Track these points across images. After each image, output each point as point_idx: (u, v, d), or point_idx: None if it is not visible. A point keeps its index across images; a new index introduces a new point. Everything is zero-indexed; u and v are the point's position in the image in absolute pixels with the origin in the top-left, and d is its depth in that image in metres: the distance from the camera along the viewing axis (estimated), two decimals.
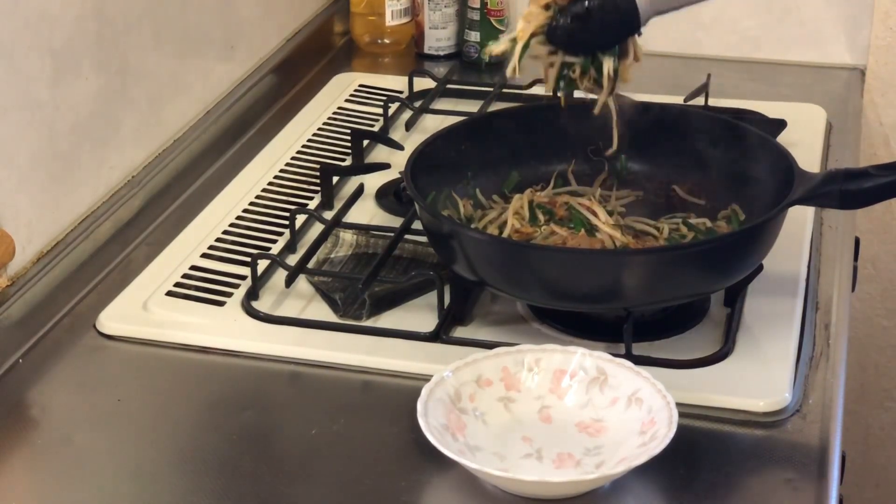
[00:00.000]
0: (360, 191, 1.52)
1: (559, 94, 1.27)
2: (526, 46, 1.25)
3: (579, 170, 1.41)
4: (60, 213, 1.40)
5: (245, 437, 1.15)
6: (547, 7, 1.22)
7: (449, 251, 1.25)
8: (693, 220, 1.36)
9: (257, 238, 1.45)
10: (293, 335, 1.27)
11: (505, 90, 1.76)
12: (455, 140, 1.39)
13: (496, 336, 1.25)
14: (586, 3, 1.21)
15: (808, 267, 1.36)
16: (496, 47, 1.29)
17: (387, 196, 1.53)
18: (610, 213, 1.34)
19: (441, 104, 1.76)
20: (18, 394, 1.22)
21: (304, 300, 1.33)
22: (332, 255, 1.39)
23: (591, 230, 1.32)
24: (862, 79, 1.87)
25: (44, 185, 1.37)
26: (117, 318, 1.30)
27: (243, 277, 1.35)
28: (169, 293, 1.34)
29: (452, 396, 1.13)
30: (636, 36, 1.23)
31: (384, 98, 1.73)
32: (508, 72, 1.24)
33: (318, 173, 1.53)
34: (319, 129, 1.72)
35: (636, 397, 1.12)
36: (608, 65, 1.24)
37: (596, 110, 1.26)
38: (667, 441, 1.05)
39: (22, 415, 1.20)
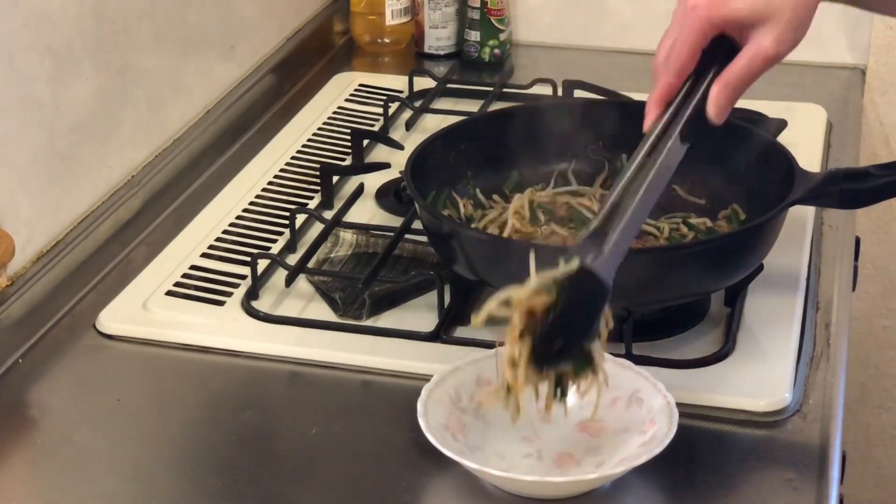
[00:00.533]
0: (360, 190, 1.52)
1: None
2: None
3: (579, 169, 1.41)
4: (60, 212, 1.40)
5: (245, 437, 1.15)
6: (521, 335, 1.03)
7: (449, 251, 1.25)
8: (693, 220, 1.35)
9: (257, 238, 1.45)
10: (293, 335, 1.27)
11: (505, 90, 1.76)
12: (455, 140, 1.39)
13: (496, 336, 1.24)
14: (552, 314, 1.01)
15: (809, 267, 1.36)
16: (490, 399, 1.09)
17: (387, 196, 1.53)
18: None
19: (441, 104, 1.76)
20: (18, 394, 1.22)
21: (304, 300, 1.33)
22: (332, 255, 1.39)
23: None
24: (862, 78, 1.86)
25: (44, 185, 1.37)
26: (117, 317, 1.30)
27: (243, 277, 1.35)
28: (169, 293, 1.34)
29: (452, 396, 1.12)
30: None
31: (384, 98, 1.73)
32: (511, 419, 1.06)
33: (318, 173, 1.53)
34: (319, 128, 1.71)
35: (636, 397, 1.12)
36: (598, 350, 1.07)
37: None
38: (667, 441, 1.05)
39: (22, 415, 1.20)
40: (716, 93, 1.06)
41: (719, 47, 1.07)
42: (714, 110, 1.07)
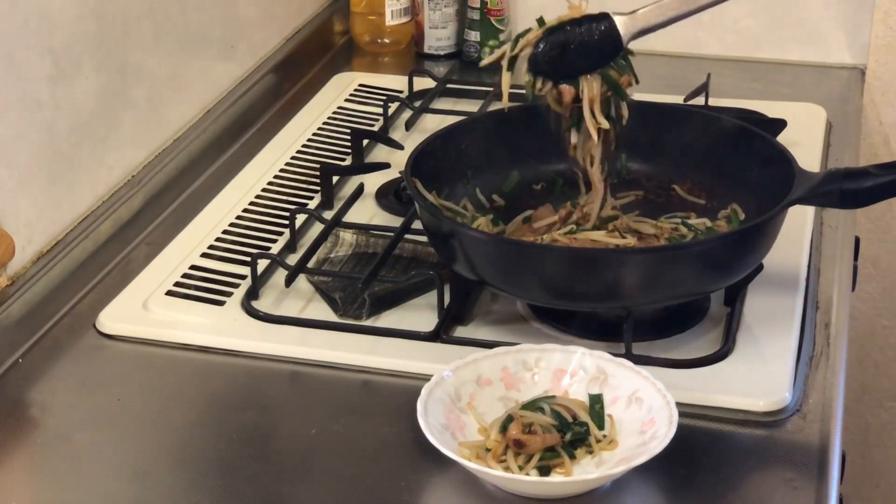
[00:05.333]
0: (360, 190, 1.52)
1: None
2: (512, 65, 1.28)
3: (579, 169, 1.41)
4: (60, 212, 1.40)
5: (245, 436, 1.15)
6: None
7: (449, 250, 1.25)
8: (693, 220, 1.36)
9: (257, 238, 1.45)
10: (293, 335, 1.27)
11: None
12: (455, 140, 1.39)
13: (496, 336, 1.25)
14: (566, 30, 1.24)
15: (809, 266, 1.36)
16: (489, 57, 1.33)
17: (387, 196, 1.53)
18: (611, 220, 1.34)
19: (441, 104, 1.76)
20: (18, 393, 1.22)
21: (304, 300, 1.33)
22: (332, 255, 1.39)
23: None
24: (862, 78, 1.87)
25: (44, 185, 1.37)
26: (117, 317, 1.30)
27: (243, 277, 1.35)
28: (169, 293, 1.34)
29: (452, 396, 1.12)
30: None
31: (384, 98, 1.73)
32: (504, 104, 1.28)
33: (318, 173, 1.53)
34: (319, 128, 1.71)
35: (636, 397, 1.12)
36: (590, 87, 1.25)
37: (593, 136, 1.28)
38: (667, 441, 1.05)
39: (22, 414, 1.20)
40: None
41: None
42: None
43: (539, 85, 1.28)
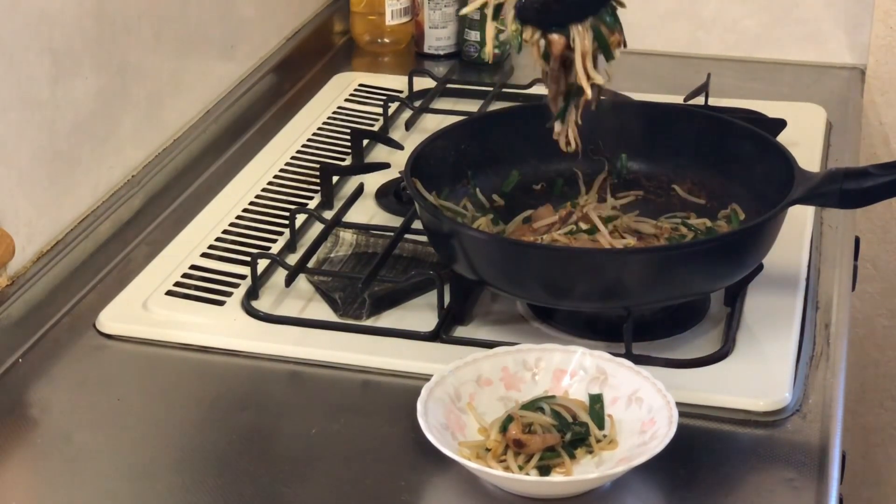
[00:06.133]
0: (359, 190, 1.52)
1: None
2: (497, 14, 1.21)
3: (580, 169, 1.41)
4: (60, 212, 1.40)
5: (245, 436, 1.15)
6: None
7: (449, 250, 1.25)
8: (693, 220, 1.36)
9: (257, 237, 1.45)
10: (293, 335, 1.27)
11: (505, 90, 1.76)
12: (455, 140, 1.39)
13: (496, 335, 1.25)
14: None
15: (809, 266, 1.36)
16: (467, 7, 1.26)
17: (387, 196, 1.53)
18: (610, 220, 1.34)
19: (441, 104, 1.76)
20: (18, 393, 1.22)
21: (304, 300, 1.33)
22: (332, 255, 1.39)
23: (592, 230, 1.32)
24: (862, 78, 1.87)
25: (44, 185, 1.37)
26: (117, 317, 1.30)
27: (243, 277, 1.35)
28: (169, 293, 1.34)
29: (452, 396, 1.12)
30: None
31: (384, 97, 1.73)
32: (486, 57, 1.23)
33: (318, 173, 1.53)
34: (319, 128, 1.71)
35: (636, 397, 1.12)
36: (582, 39, 1.19)
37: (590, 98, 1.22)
38: (667, 441, 1.05)
39: (22, 414, 1.20)
40: None
41: None
42: None
43: (527, 35, 1.20)
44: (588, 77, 1.18)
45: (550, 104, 1.23)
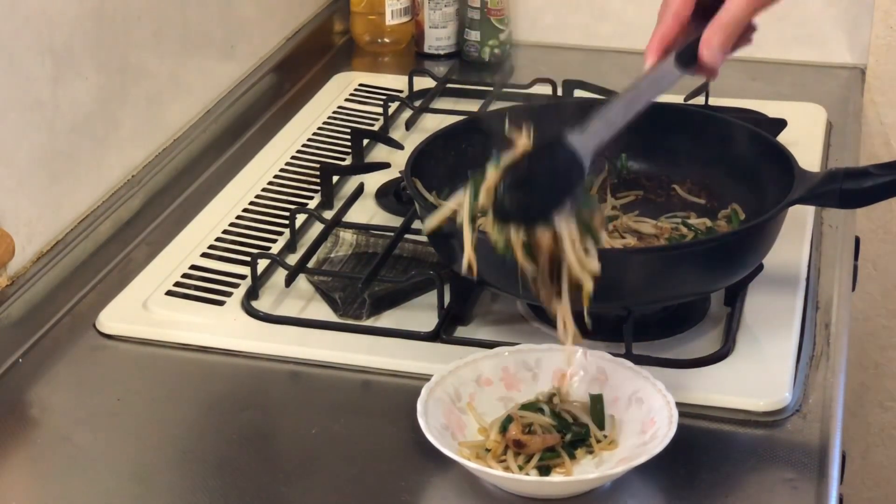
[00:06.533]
0: (359, 190, 1.52)
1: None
2: (473, 221, 1.12)
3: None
4: (60, 212, 1.40)
5: (245, 436, 1.15)
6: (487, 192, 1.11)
7: (449, 251, 1.25)
8: (693, 220, 1.36)
9: (257, 237, 1.45)
10: (293, 335, 1.27)
11: (505, 90, 1.76)
12: (455, 139, 1.39)
13: (496, 336, 1.25)
14: (526, 165, 1.09)
15: (809, 266, 1.36)
16: (431, 221, 1.16)
17: (387, 195, 1.53)
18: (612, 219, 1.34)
19: (441, 103, 1.76)
20: (18, 393, 1.22)
21: (304, 300, 1.33)
22: (332, 255, 1.39)
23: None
24: (862, 78, 1.86)
25: (44, 185, 1.37)
26: (117, 317, 1.30)
27: (243, 277, 1.35)
28: (169, 293, 1.34)
29: (452, 396, 1.12)
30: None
31: (384, 97, 1.73)
32: (464, 268, 1.12)
33: (318, 173, 1.53)
34: (319, 128, 1.71)
35: (636, 397, 1.12)
36: (567, 225, 1.08)
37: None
38: (667, 441, 1.05)
39: (22, 414, 1.20)
40: (708, 35, 1.09)
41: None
42: (707, 53, 1.09)
43: (511, 235, 1.09)
44: (582, 266, 1.10)
45: (545, 305, 1.12)
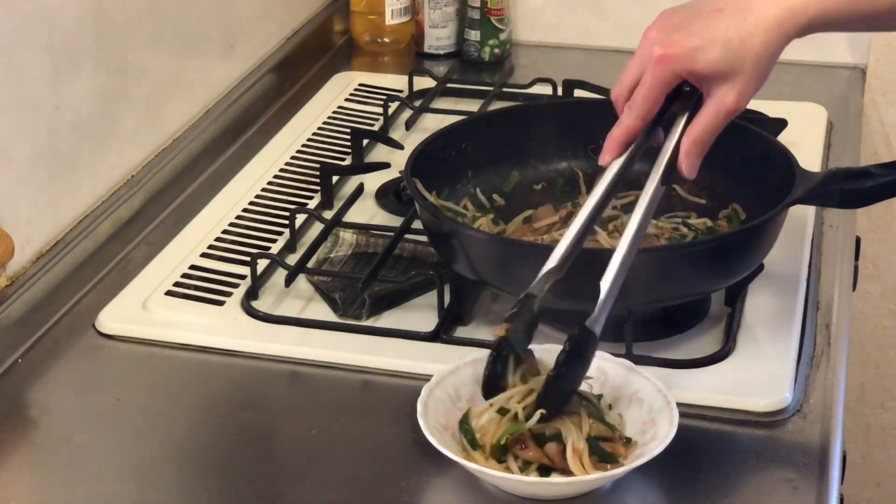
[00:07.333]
0: (359, 190, 1.52)
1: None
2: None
3: (579, 169, 1.41)
4: (60, 212, 1.40)
5: (245, 437, 1.15)
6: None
7: (449, 251, 1.25)
8: (693, 220, 1.35)
9: (257, 237, 1.45)
10: (293, 335, 1.27)
11: (505, 89, 1.76)
12: (455, 139, 1.39)
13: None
14: (555, 371, 1.07)
15: (809, 266, 1.36)
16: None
17: (387, 195, 1.52)
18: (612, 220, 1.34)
19: (441, 103, 1.76)
20: (18, 393, 1.22)
21: (304, 300, 1.32)
22: (332, 255, 1.39)
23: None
24: (863, 78, 1.86)
25: (43, 185, 1.37)
26: (117, 317, 1.30)
27: (243, 277, 1.35)
28: (168, 293, 1.34)
29: (452, 396, 1.12)
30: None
31: (384, 97, 1.73)
32: None
33: (317, 173, 1.53)
34: (319, 128, 1.71)
35: (636, 397, 1.12)
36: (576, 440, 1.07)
37: None
38: (667, 441, 1.05)
39: (21, 414, 1.20)
40: (686, 149, 1.13)
41: (677, 90, 1.14)
42: (687, 166, 1.14)
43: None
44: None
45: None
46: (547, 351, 1.16)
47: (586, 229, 1.14)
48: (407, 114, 1.71)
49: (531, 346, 1.12)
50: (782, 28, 1.09)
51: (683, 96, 1.15)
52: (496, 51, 1.91)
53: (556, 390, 1.07)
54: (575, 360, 1.07)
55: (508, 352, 1.10)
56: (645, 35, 1.14)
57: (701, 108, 1.13)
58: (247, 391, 1.22)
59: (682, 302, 1.26)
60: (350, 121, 1.73)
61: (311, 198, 1.54)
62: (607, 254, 1.16)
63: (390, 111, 1.71)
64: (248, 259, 1.33)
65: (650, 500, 1.07)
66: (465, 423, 1.09)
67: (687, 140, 1.13)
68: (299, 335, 1.27)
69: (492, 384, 1.10)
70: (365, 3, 1.94)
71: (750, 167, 1.34)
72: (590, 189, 1.39)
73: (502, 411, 1.08)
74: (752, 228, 1.23)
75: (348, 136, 1.64)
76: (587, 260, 1.21)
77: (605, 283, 1.09)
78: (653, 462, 1.04)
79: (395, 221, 1.44)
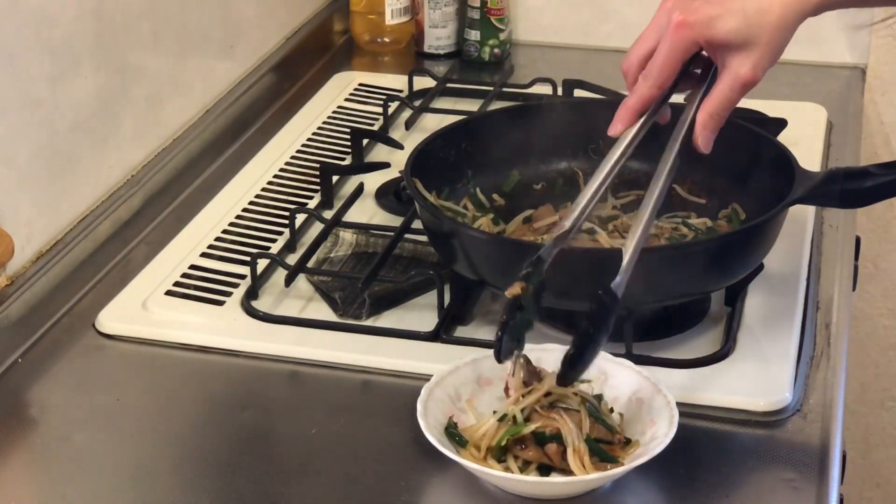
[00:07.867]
0: (359, 190, 1.52)
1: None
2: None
3: (579, 169, 1.41)
4: (60, 212, 1.40)
5: (245, 436, 1.15)
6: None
7: (449, 250, 1.25)
8: (693, 220, 1.35)
9: (257, 237, 1.45)
10: (293, 335, 1.27)
11: (505, 89, 1.76)
12: (455, 139, 1.39)
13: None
14: (582, 331, 1.07)
15: (809, 266, 1.36)
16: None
17: (387, 195, 1.52)
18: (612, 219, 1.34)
19: (441, 103, 1.76)
20: (18, 393, 1.22)
21: (304, 300, 1.32)
22: (332, 255, 1.39)
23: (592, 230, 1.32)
24: (863, 77, 1.86)
25: (43, 185, 1.37)
26: (117, 317, 1.30)
27: (243, 277, 1.35)
28: (168, 292, 1.34)
29: (452, 396, 1.12)
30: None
31: (384, 97, 1.73)
32: None
33: (317, 172, 1.53)
34: (319, 128, 1.71)
35: (636, 397, 1.12)
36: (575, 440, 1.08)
37: None
38: (667, 441, 1.05)
39: (21, 414, 1.20)
40: (702, 122, 1.13)
41: (692, 60, 1.13)
42: (703, 140, 1.13)
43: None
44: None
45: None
46: (547, 351, 1.16)
47: (595, 197, 1.13)
48: (407, 114, 1.71)
49: (526, 353, 1.11)
50: (800, 2, 1.09)
51: (694, 76, 1.15)
52: (496, 51, 1.91)
53: (581, 352, 1.06)
54: (599, 322, 1.06)
55: (520, 320, 1.09)
56: (661, 6, 1.13)
57: (716, 82, 1.12)
58: (247, 391, 1.22)
59: (681, 302, 1.26)
60: (350, 121, 1.73)
61: (311, 198, 1.54)
62: (608, 254, 1.16)
63: (390, 111, 1.71)
64: (247, 259, 1.33)
65: (650, 500, 1.07)
66: (449, 427, 1.09)
67: (703, 113, 1.13)
68: (299, 335, 1.27)
69: (506, 347, 1.08)
70: (365, 2, 1.94)
71: (750, 167, 1.34)
72: None
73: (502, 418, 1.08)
74: (752, 228, 1.23)
75: (348, 136, 1.64)
76: (587, 260, 1.22)
77: (629, 246, 1.09)
78: (652, 462, 1.04)
79: (395, 221, 1.44)
